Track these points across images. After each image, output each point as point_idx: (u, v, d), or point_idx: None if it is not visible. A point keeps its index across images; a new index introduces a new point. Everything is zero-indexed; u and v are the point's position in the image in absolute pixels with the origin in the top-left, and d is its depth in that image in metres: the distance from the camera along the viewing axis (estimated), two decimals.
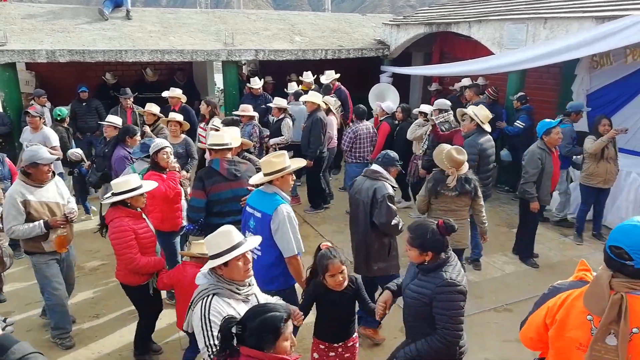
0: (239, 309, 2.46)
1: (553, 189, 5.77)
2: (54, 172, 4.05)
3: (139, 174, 4.54)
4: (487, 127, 5.63)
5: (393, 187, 4.19)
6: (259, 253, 3.52)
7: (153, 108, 6.51)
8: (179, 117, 6.11)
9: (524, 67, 7.35)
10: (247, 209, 3.65)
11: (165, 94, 7.70)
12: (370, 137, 7.12)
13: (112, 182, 3.75)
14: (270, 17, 11.46)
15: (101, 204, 4.70)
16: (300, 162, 3.79)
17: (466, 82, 8.71)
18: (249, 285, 2.61)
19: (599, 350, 1.94)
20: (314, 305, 3.21)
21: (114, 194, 3.64)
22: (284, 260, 3.49)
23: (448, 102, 6.80)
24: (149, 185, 3.89)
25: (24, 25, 8.68)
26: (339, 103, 8.45)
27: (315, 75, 9.10)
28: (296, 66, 10.09)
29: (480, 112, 5.62)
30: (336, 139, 7.73)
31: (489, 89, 8.34)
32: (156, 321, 4.09)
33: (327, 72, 8.83)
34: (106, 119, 6.17)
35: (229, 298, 2.49)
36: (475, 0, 10.06)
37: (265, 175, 3.54)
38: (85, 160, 6.56)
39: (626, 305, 1.89)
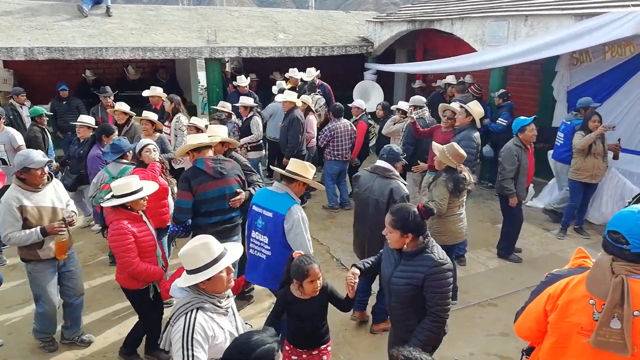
0: (222, 323, 2.38)
1: (528, 184, 5.84)
2: (50, 175, 3.87)
3: (116, 176, 4.50)
4: (479, 124, 5.75)
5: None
6: (269, 252, 3.53)
7: (123, 107, 6.37)
8: (153, 116, 6.03)
9: (506, 64, 7.44)
10: (255, 208, 3.63)
11: (145, 93, 7.57)
12: (349, 135, 7.08)
13: (112, 185, 3.62)
14: (253, 14, 11.39)
15: (95, 205, 4.64)
16: (318, 185, 3.91)
17: (450, 79, 8.77)
18: (228, 297, 2.49)
19: (604, 335, 1.98)
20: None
21: (114, 197, 3.54)
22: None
23: (423, 99, 6.97)
24: (150, 187, 3.77)
25: (0, 22, 8.49)
26: (324, 100, 8.45)
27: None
28: (280, 64, 10.06)
29: (475, 109, 5.67)
30: (316, 138, 7.70)
31: (473, 86, 8.43)
32: (161, 326, 3.89)
33: (308, 69, 8.82)
34: (79, 119, 6.01)
35: (212, 312, 2.36)
36: None
37: (290, 172, 3.54)
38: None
39: (628, 288, 1.95)
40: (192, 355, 2.21)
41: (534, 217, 7.20)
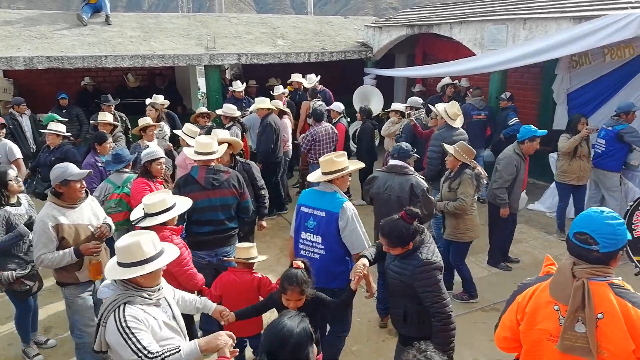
0: (153, 313, 2.38)
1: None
2: (87, 191, 3.66)
3: (121, 185, 4.49)
4: (458, 123, 5.92)
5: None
6: (323, 252, 3.57)
7: (107, 117, 6.36)
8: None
9: (505, 67, 7.44)
10: (304, 209, 3.66)
11: (148, 101, 7.59)
12: (330, 138, 7.10)
13: (145, 202, 3.40)
14: (252, 20, 11.42)
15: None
16: (359, 164, 3.93)
17: (446, 80, 8.79)
18: (159, 289, 2.48)
19: (569, 339, 1.98)
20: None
21: (148, 215, 3.35)
22: (346, 259, 3.58)
23: (420, 100, 7.23)
24: (185, 203, 3.58)
25: (0, 32, 8.51)
26: (325, 106, 8.44)
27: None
28: (279, 70, 10.07)
29: (450, 109, 5.92)
30: (291, 142, 7.63)
31: (471, 90, 8.45)
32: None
33: (308, 76, 8.84)
34: (48, 127, 5.88)
35: (141, 305, 2.35)
36: (456, 2, 10.15)
37: (325, 174, 3.60)
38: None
39: (589, 291, 1.95)
40: (137, 339, 2.22)
41: (536, 220, 7.17)
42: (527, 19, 7.04)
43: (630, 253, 3.80)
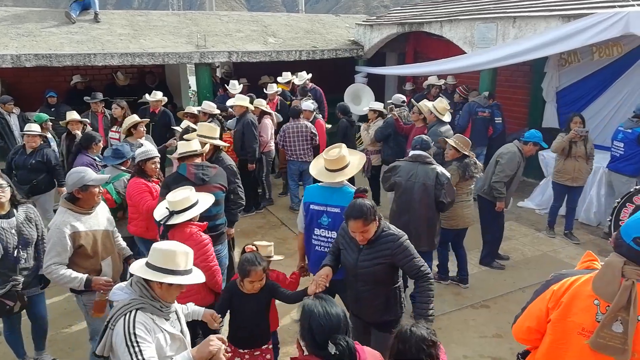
0: (160, 324, 2.33)
1: None
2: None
3: (109, 182, 4.46)
4: (447, 118, 6.28)
5: None
6: None
7: (74, 115, 6.32)
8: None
9: (495, 65, 7.48)
10: (314, 207, 3.66)
11: (148, 98, 7.66)
12: (303, 135, 7.09)
13: (169, 199, 3.35)
14: (242, 18, 11.37)
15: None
16: (362, 159, 3.90)
17: (433, 79, 8.84)
18: (171, 305, 2.43)
19: (604, 337, 1.95)
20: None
21: (175, 212, 3.29)
22: None
23: (402, 97, 7.57)
24: (208, 199, 3.57)
25: None
26: (316, 105, 8.44)
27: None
28: (270, 68, 10.04)
29: (438, 105, 6.22)
30: (273, 142, 7.64)
31: (460, 87, 8.49)
32: None
33: (299, 73, 8.84)
34: (26, 127, 5.80)
35: (152, 314, 2.30)
36: (447, 0, 10.18)
37: (331, 171, 3.62)
38: None
39: (636, 293, 1.92)
40: (140, 350, 2.15)
41: (525, 217, 7.23)
42: (517, 18, 7.08)
43: None
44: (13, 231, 3.49)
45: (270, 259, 3.59)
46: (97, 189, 3.37)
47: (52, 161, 5.82)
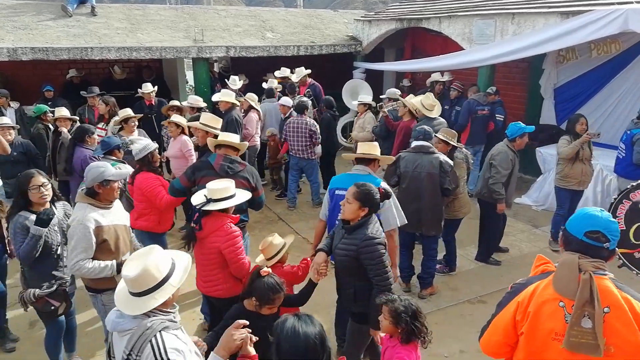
0: (184, 339, 2.12)
1: None
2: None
3: None
4: (435, 113, 6.28)
5: None
6: None
7: (63, 112, 6.20)
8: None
9: (494, 62, 7.48)
10: (339, 192, 3.87)
11: (140, 91, 7.69)
12: (302, 131, 7.06)
13: (209, 187, 3.38)
14: (240, 13, 11.32)
15: None
16: (389, 159, 4.35)
17: (436, 76, 8.83)
18: (176, 307, 2.26)
19: (575, 335, 1.94)
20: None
21: (212, 200, 3.32)
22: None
23: (397, 91, 7.60)
24: (244, 195, 3.58)
25: None
26: (310, 102, 8.43)
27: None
28: (268, 63, 10.01)
29: (425, 102, 6.25)
30: (259, 137, 7.62)
31: (456, 83, 8.48)
32: None
33: (297, 69, 8.81)
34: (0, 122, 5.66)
35: (173, 329, 2.08)
36: None
37: (364, 154, 4.00)
38: None
39: (595, 285, 1.93)
40: None
41: (522, 214, 7.25)
42: (516, 14, 7.07)
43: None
44: (56, 228, 3.44)
45: (282, 252, 3.57)
46: (116, 184, 3.35)
47: (32, 151, 5.73)
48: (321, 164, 7.66)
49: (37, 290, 3.36)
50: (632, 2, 5.73)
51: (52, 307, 3.40)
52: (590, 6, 6.10)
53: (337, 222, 3.84)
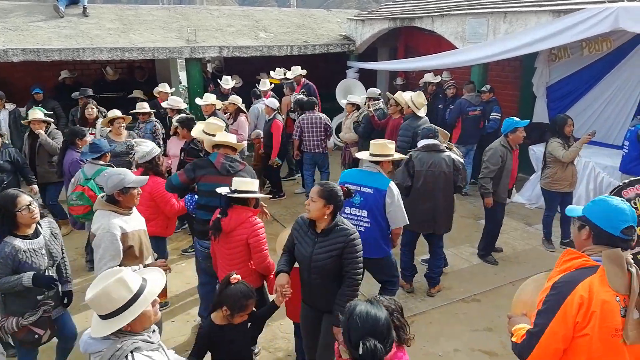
0: (159, 359, 2.07)
1: (511, 187, 5.79)
2: None
3: (91, 177, 4.43)
4: (422, 112, 6.28)
5: None
6: (368, 224, 4.00)
7: (37, 114, 6.09)
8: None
9: (486, 61, 7.50)
10: (349, 186, 3.80)
11: (158, 89, 7.82)
12: (317, 126, 7.26)
13: (235, 180, 3.59)
14: (233, 13, 11.30)
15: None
16: (401, 156, 4.38)
17: (429, 77, 8.84)
18: (154, 330, 2.17)
19: (632, 328, 1.99)
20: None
21: (236, 191, 3.49)
22: (387, 231, 4.06)
23: (377, 90, 7.62)
24: (261, 195, 3.81)
25: None
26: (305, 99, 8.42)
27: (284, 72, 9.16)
28: (262, 63, 9.99)
29: (417, 99, 6.26)
30: (246, 140, 7.56)
31: (451, 82, 8.52)
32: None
33: (293, 68, 8.82)
34: None
35: (147, 350, 2.04)
36: None
37: (373, 155, 4.10)
38: None
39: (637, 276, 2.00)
40: None
41: (515, 212, 7.27)
42: (508, 13, 7.10)
43: None
44: (43, 251, 3.21)
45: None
46: (136, 190, 3.35)
47: (19, 160, 5.59)
48: (300, 162, 7.81)
49: (19, 318, 3.11)
50: (622, 0, 5.76)
51: (36, 336, 3.18)
52: (581, 5, 6.13)
53: (344, 215, 3.95)
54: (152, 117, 6.83)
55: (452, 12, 8.06)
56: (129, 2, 12.04)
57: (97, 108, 6.75)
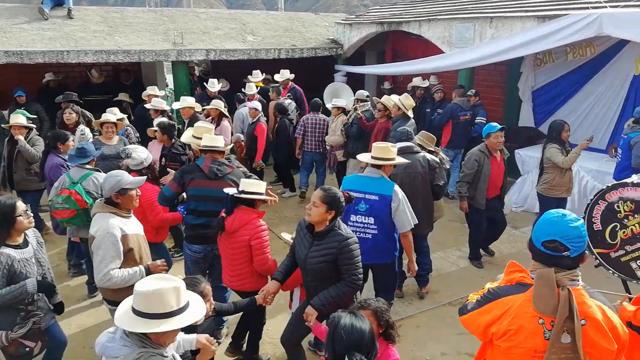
0: None
1: (496, 194, 5.58)
2: None
3: (77, 181, 4.36)
4: (411, 113, 6.44)
5: None
6: (375, 231, 3.97)
7: (20, 120, 5.93)
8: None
9: (473, 65, 7.56)
10: (353, 194, 3.80)
11: (146, 93, 7.70)
12: (320, 127, 7.54)
13: (243, 181, 3.69)
14: (221, 16, 11.25)
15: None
16: (404, 161, 4.32)
17: (417, 81, 8.88)
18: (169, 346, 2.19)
19: (556, 352, 1.91)
20: None
21: (243, 192, 3.57)
22: (394, 236, 4.04)
23: (366, 92, 7.77)
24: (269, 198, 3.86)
25: None
26: (294, 104, 8.41)
27: (264, 75, 9.27)
28: (249, 66, 9.96)
29: (406, 102, 6.38)
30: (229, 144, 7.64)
31: (439, 87, 8.57)
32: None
33: (282, 71, 8.80)
34: None
35: None
36: (425, 0, 10.25)
37: (376, 158, 4.04)
38: None
39: (574, 299, 1.90)
40: None
41: None
42: (494, 18, 7.16)
43: (591, 245, 3.92)
44: (33, 260, 3.13)
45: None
46: (134, 192, 3.31)
47: None
48: (279, 168, 7.91)
49: (9, 332, 3.00)
50: (605, 7, 5.84)
51: (27, 349, 3.09)
52: (566, 10, 6.21)
53: (350, 223, 3.96)
54: (125, 120, 6.70)
55: (439, 17, 8.12)
56: (114, 5, 11.90)
57: (76, 113, 6.56)
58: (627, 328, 2.10)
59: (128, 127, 6.64)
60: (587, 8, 5.99)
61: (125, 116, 6.71)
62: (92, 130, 6.69)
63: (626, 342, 1.97)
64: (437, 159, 4.83)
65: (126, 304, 2.06)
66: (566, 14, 6.03)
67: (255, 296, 3.28)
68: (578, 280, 1.98)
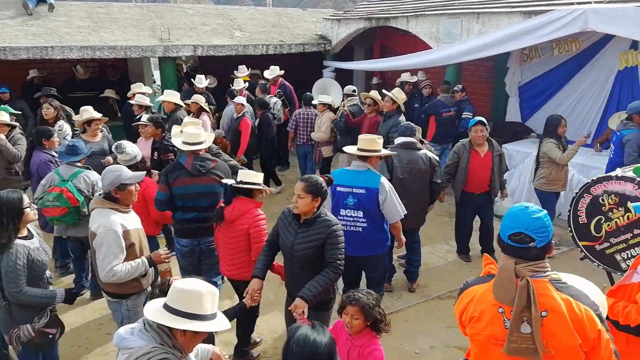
0: None
1: (482, 191, 5.48)
2: None
3: (67, 179, 4.30)
4: (403, 108, 6.51)
5: None
6: (365, 224, 4.00)
7: (3, 117, 5.78)
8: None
9: (460, 60, 7.60)
10: (341, 189, 3.99)
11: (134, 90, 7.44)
12: (311, 122, 7.61)
13: (241, 172, 3.75)
14: (208, 11, 11.17)
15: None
16: (390, 153, 4.39)
17: (405, 77, 8.90)
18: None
19: (515, 341, 1.96)
20: None
21: (242, 182, 3.63)
22: (384, 227, 4.07)
23: (353, 87, 7.88)
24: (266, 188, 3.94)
25: None
26: (280, 102, 8.39)
27: (251, 70, 9.27)
28: (237, 62, 9.91)
29: (399, 96, 6.44)
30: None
31: (427, 82, 8.61)
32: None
33: (271, 67, 8.76)
34: None
35: None
36: None
37: (362, 150, 4.05)
38: None
39: (533, 290, 1.93)
40: None
41: None
42: (480, 14, 7.20)
43: (577, 238, 3.97)
44: (41, 249, 3.16)
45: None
46: (134, 187, 3.31)
47: None
48: (263, 163, 7.88)
49: (33, 324, 3.11)
50: (591, 2, 5.90)
51: (50, 336, 3.21)
52: (551, 6, 6.27)
53: (340, 217, 3.96)
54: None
55: (426, 13, 8.14)
56: (99, 0, 11.77)
57: (55, 108, 6.41)
58: (613, 328, 2.10)
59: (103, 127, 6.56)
60: (573, 4, 6.04)
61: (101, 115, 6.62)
62: (72, 127, 6.61)
63: (597, 340, 1.93)
64: (437, 158, 4.91)
65: (156, 302, 2.08)
66: (552, 10, 6.08)
67: (243, 300, 3.28)
68: (544, 273, 2.01)
